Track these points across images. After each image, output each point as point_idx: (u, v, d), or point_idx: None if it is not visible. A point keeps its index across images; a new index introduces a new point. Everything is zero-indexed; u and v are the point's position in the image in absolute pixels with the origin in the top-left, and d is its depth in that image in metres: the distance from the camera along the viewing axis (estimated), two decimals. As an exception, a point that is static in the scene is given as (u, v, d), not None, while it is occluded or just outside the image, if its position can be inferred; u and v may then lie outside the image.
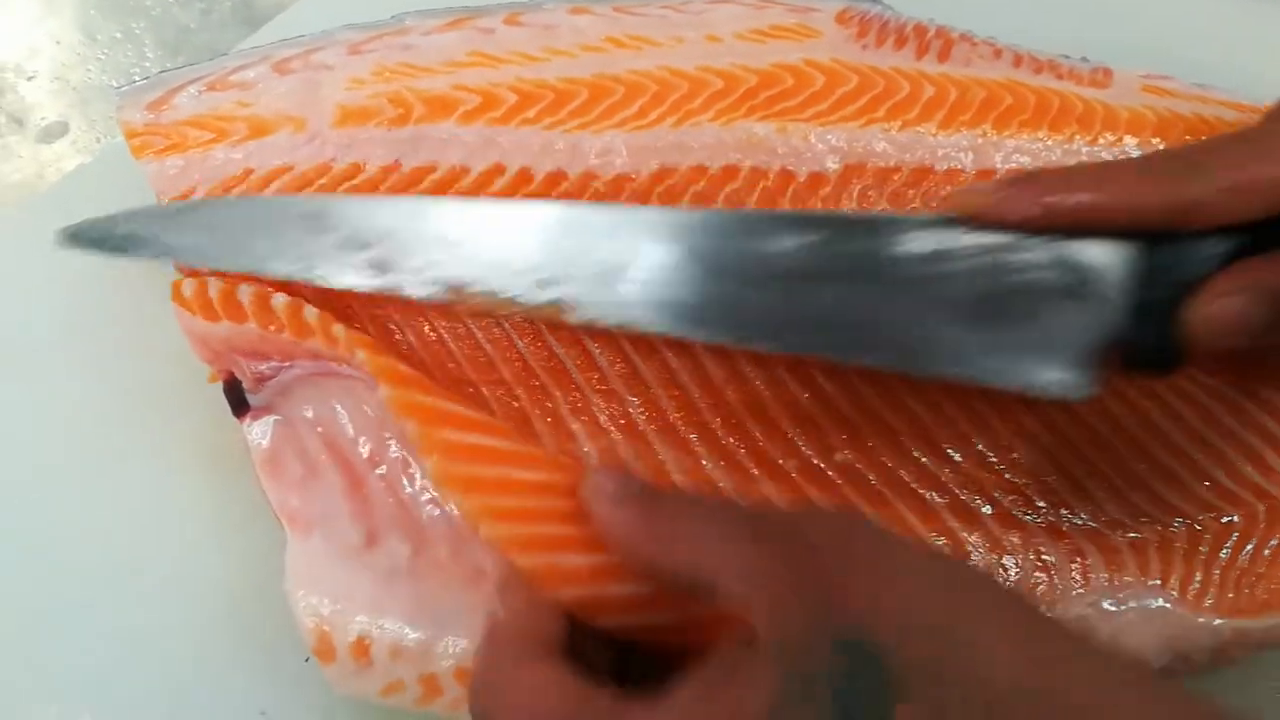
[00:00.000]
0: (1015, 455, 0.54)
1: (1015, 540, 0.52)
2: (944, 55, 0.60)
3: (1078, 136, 0.57)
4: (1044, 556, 0.52)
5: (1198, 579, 0.52)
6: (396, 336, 0.53)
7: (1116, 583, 0.52)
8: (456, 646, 0.48)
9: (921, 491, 0.53)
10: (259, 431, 0.51)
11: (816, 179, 0.56)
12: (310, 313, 0.50)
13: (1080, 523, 0.53)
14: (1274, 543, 0.53)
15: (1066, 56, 0.61)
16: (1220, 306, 0.46)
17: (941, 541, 0.52)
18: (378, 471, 0.50)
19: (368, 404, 0.50)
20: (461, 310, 0.53)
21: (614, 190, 0.56)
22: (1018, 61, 0.60)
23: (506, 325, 0.54)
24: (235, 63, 0.58)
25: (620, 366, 0.54)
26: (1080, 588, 0.52)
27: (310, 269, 0.52)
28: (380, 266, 0.52)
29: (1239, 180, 0.46)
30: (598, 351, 0.54)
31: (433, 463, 0.46)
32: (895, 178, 0.56)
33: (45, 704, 0.53)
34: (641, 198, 0.55)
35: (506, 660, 0.42)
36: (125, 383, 0.60)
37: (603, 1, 0.63)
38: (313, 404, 0.51)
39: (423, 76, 0.58)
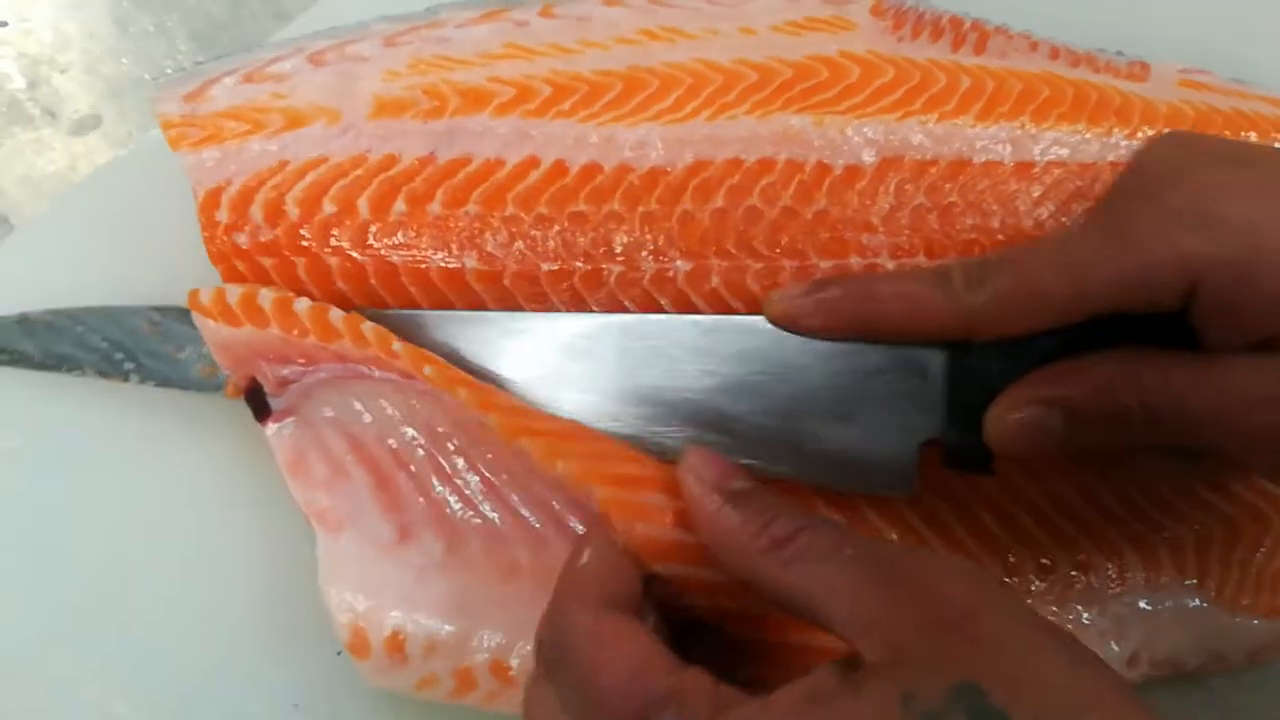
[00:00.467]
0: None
1: (1052, 539, 0.52)
2: (980, 47, 0.60)
3: (1116, 129, 0.57)
4: (1080, 555, 0.52)
5: (1234, 577, 0.52)
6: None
7: (1153, 582, 0.52)
8: (491, 641, 0.48)
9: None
10: (282, 434, 0.51)
11: (853, 172, 0.56)
12: (336, 315, 0.51)
13: (1117, 521, 0.53)
14: (1312, 543, 0.53)
15: (1102, 50, 0.61)
16: (1010, 417, 0.46)
17: (974, 545, 0.53)
18: (406, 470, 0.50)
19: (393, 405, 0.50)
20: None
21: (649, 184, 0.55)
22: (1054, 54, 0.60)
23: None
24: (271, 54, 0.58)
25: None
26: (1116, 586, 0.52)
27: None
28: None
29: (1018, 294, 0.46)
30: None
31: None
32: (932, 170, 0.56)
33: (84, 689, 0.54)
34: (677, 191, 0.55)
35: (585, 607, 0.41)
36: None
37: (637, -7, 0.63)
38: (336, 406, 0.51)
39: (458, 69, 0.58)
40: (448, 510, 0.50)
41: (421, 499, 0.50)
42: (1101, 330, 0.46)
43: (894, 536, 0.53)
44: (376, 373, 0.51)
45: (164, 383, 0.56)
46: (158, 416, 0.59)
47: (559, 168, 0.56)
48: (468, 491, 0.51)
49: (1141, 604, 0.51)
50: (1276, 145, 0.57)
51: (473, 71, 0.58)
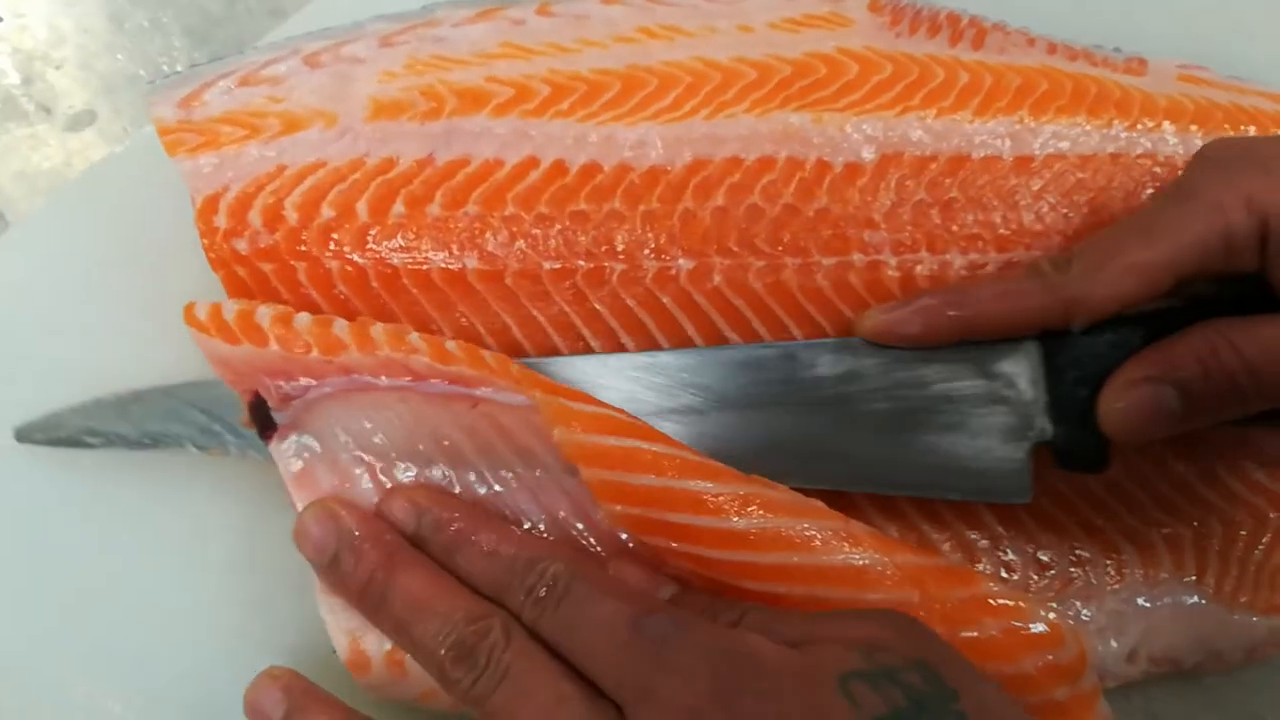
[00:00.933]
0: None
1: (1051, 536, 0.52)
2: (977, 43, 0.59)
3: (1116, 122, 0.57)
4: (1079, 551, 0.52)
5: (1233, 575, 0.52)
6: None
7: (1151, 579, 0.52)
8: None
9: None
10: (287, 450, 0.51)
11: (853, 169, 0.56)
12: (341, 326, 0.51)
13: (1115, 518, 0.53)
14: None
15: (1100, 46, 0.61)
16: (1122, 399, 0.47)
17: (978, 537, 0.53)
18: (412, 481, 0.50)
19: (399, 416, 0.50)
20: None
21: (649, 182, 0.55)
22: (1052, 49, 0.60)
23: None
24: (265, 57, 0.58)
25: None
26: (1115, 583, 0.52)
27: None
28: None
29: (1108, 265, 0.48)
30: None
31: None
32: (932, 166, 0.56)
33: (78, 689, 0.54)
34: (677, 190, 0.55)
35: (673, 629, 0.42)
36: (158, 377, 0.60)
37: (634, -9, 0.62)
38: (341, 420, 0.51)
39: (455, 69, 0.58)
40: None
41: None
42: (1185, 315, 0.48)
43: (894, 532, 0.53)
44: (384, 380, 0.51)
45: (266, 454, 0.55)
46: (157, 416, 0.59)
47: (558, 167, 0.56)
48: (477, 496, 0.51)
49: (1140, 600, 0.52)
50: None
51: (470, 71, 0.58)
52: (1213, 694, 0.54)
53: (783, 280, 0.55)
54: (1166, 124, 0.57)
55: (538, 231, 0.54)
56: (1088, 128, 0.57)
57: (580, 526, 0.49)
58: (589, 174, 0.56)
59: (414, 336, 0.50)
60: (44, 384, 0.59)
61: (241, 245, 0.54)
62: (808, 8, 0.61)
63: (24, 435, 0.57)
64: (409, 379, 0.51)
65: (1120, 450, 0.51)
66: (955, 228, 0.55)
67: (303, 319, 0.51)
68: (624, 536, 0.48)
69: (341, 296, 0.54)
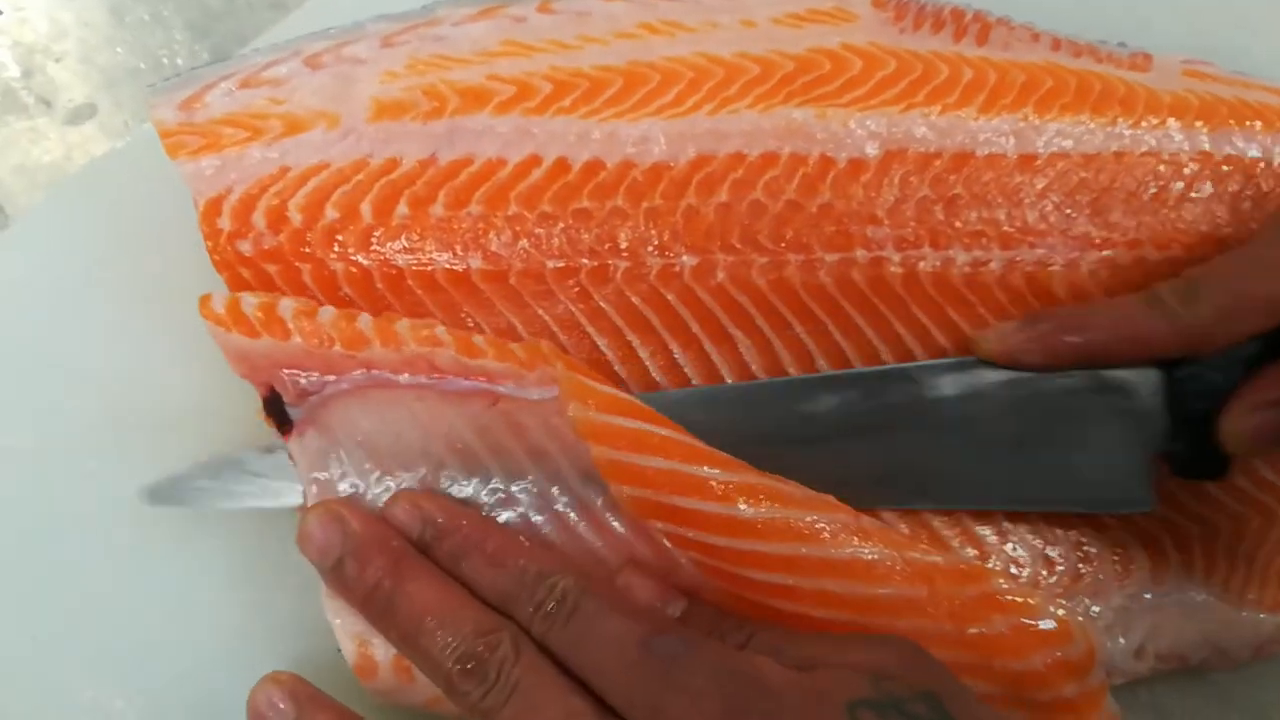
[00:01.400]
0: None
1: (1058, 532, 0.52)
2: (982, 38, 0.59)
3: (1120, 119, 0.56)
4: (1085, 548, 0.52)
5: (1240, 572, 0.52)
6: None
7: (1159, 576, 0.52)
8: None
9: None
10: (305, 448, 0.51)
11: (857, 165, 0.56)
12: (366, 321, 0.51)
13: (1123, 514, 0.53)
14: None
15: (1104, 42, 0.60)
16: (1248, 423, 0.48)
17: (987, 533, 0.53)
18: (423, 482, 0.50)
19: (416, 415, 0.50)
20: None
21: (652, 179, 0.55)
22: (1056, 45, 0.60)
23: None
24: (266, 58, 0.58)
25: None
26: (1123, 580, 0.52)
27: None
28: None
29: (1236, 302, 0.49)
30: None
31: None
32: (936, 163, 0.56)
33: (82, 690, 0.54)
34: (680, 186, 0.55)
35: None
36: (156, 370, 0.60)
37: (635, -14, 0.62)
38: (356, 417, 0.51)
39: (456, 68, 0.57)
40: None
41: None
42: None
43: (904, 528, 0.54)
44: (405, 378, 0.51)
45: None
46: (155, 416, 0.59)
47: (561, 165, 0.56)
48: (486, 504, 0.51)
49: (1147, 597, 0.52)
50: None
51: (471, 70, 0.57)
52: (1219, 690, 0.54)
53: (785, 276, 0.55)
54: (1171, 121, 0.57)
55: (541, 230, 0.54)
56: (1092, 126, 0.56)
57: (591, 534, 0.50)
58: (592, 171, 0.55)
59: (440, 330, 0.51)
60: (43, 381, 0.59)
61: (246, 247, 0.54)
62: (811, 2, 0.60)
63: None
64: (430, 376, 0.51)
65: None
66: (959, 224, 0.55)
67: (327, 312, 0.51)
68: (635, 545, 0.48)
69: (346, 298, 0.54)
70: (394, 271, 0.54)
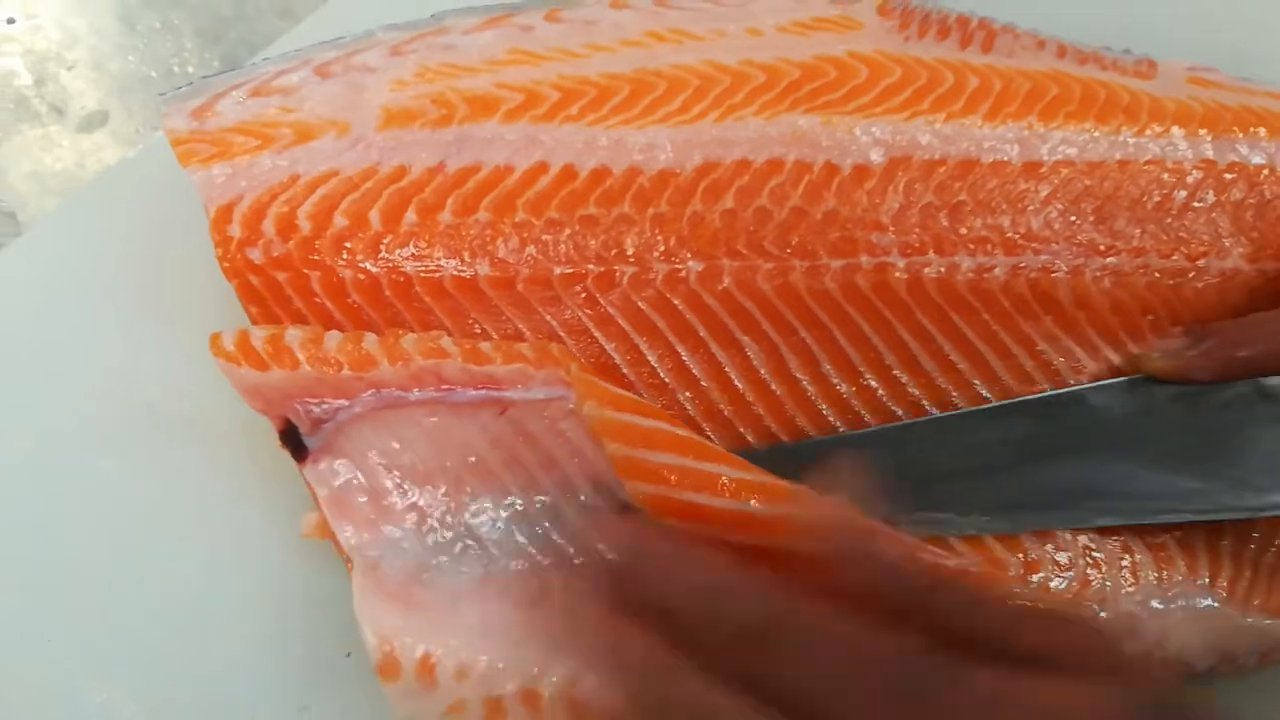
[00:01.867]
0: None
1: (1066, 537, 0.53)
2: (987, 46, 0.59)
3: (1125, 128, 0.57)
4: (1093, 554, 0.53)
5: (1246, 577, 0.52)
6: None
7: (1165, 581, 0.52)
8: (523, 669, 0.48)
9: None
10: (322, 475, 0.51)
11: (862, 172, 0.56)
12: (371, 341, 0.51)
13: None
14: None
15: (1109, 49, 0.61)
16: None
17: (993, 541, 0.53)
18: (441, 497, 0.50)
19: (429, 431, 0.51)
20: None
21: (659, 186, 0.56)
22: (1061, 53, 0.60)
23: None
24: (277, 67, 0.58)
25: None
26: (1130, 586, 0.52)
27: None
28: None
29: None
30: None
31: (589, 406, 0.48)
32: (941, 170, 0.56)
33: (92, 692, 0.54)
34: (686, 193, 0.55)
35: None
36: (166, 376, 0.60)
37: (643, -5, 0.63)
38: (371, 440, 0.51)
39: (465, 76, 0.58)
40: (482, 537, 0.50)
41: (456, 526, 0.50)
42: None
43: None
44: (415, 394, 0.51)
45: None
46: (167, 423, 0.59)
47: (568, 172, 0.56)
48: (502, 517, 0.51)
49: (1155, 603, 0.52)
50: None
51: (479, 79, 0.58)
52: (1226, 697, 0.54)
53: (791, 282, 0.55)
54: (1175, 129, 0.57)
55: (548, 237, 0.55)
56: (1096, 134, 0.57)
57: (594, 539, 0.50)
58: (599, 178, 0.56)
59: (445, 341, 0.51)
60: (54, 385, 0.60)
61: (255, 254, 0.54)
62: (817, 11, 0.61)
63: None
64: (439, 389, 0.51)
65: None
66: (963, 231, 0.55)
67: (333, 337, 0.51)
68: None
69: (355, 305, 0.54)
70: (402, 278, 0.54)
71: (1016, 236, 0.55)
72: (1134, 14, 0.66)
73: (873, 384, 0.55)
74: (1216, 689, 0.53)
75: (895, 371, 0.55)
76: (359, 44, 0.59)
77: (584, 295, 0.55)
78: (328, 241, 0.54)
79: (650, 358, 0.55)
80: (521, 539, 0.51)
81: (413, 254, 0.54)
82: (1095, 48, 0.61)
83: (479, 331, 0.54)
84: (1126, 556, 0.53)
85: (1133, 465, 0.53)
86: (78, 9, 0.77)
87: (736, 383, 0.55)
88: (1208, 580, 0.52)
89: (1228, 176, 0.57)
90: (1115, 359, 0.56)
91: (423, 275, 0.54)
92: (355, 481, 0.51)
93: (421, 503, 0.51)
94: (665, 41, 0.59)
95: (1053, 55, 0.60)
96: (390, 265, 0.54)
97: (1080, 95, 0.57)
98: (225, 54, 0.75)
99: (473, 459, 0.51)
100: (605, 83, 0.58)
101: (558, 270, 0.55)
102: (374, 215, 0.54)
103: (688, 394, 0.55)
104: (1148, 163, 0.56)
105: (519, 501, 0.51)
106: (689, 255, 0.55)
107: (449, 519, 0.51)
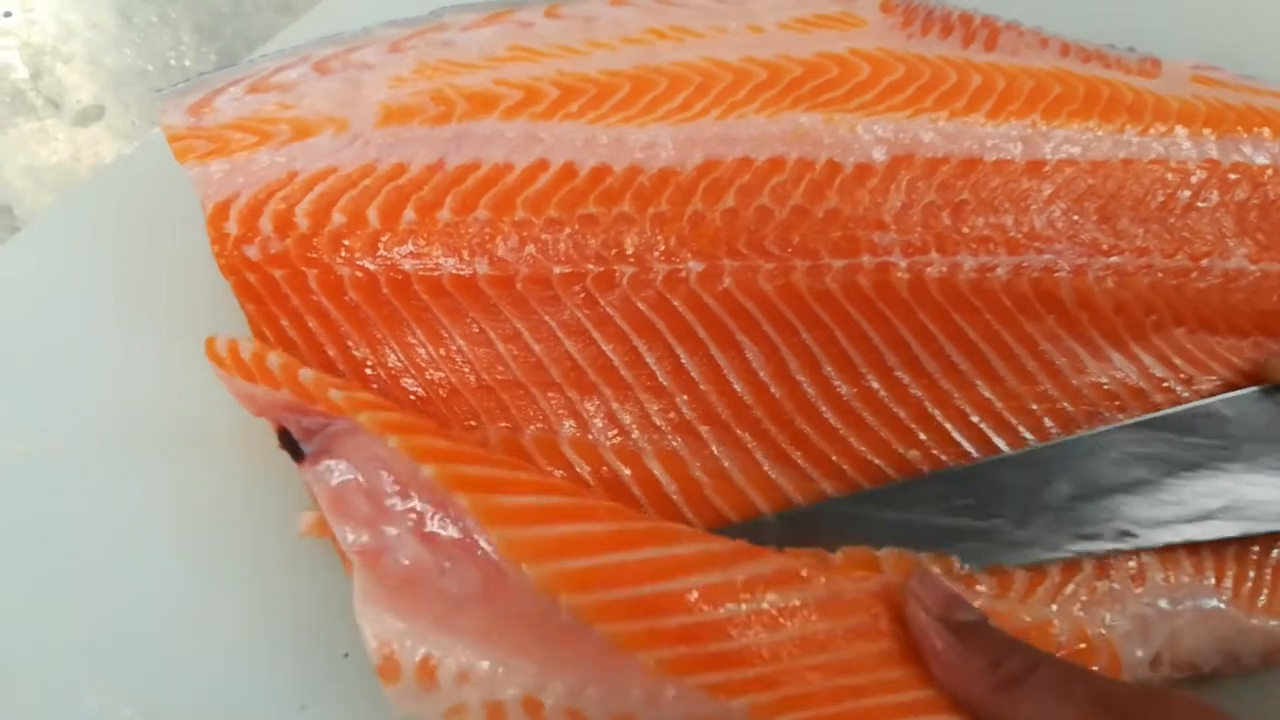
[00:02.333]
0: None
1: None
2: (990, 44, 0.59)
3: (1129, 126, 0.57)
4: (1101, 555, 0.52)
5: (1250, 578, 0.52)
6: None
7: (1172, 582, 0.52)
8: (525, 674, 0.48)
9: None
10: (321, 475, 0.51)
11: (864, 170, 0.56)
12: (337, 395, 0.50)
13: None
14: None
15: (1113, 46, 0.60)
16: None
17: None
18: (442, 498, 0.50)
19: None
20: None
21: (659, 184, 0.55)
22: (1065, 50, 0.60)
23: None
24: (275, 63, 0.58)
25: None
26: (1138, 588, 0.52)
27: None
28: None
29: None
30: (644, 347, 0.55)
31: (497, 534, 0.46)
32: (943, 169, 0.56)
33: (89, 694, 0.54)
34: (687, 192, 0.55)
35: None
36: (163, 374, 0.60)
37: (643, -8, 0.62)
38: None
39: (464, 73, 0.57)
40: (485, 543, 0.50)
41: (459, 532, 0.50)
42: None
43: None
44: None
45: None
46: (165, 422, 0.59)
47: (568, 170, 0.56)
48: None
49: (1162, 604, 0.52)
50: None
51: (479, 75, 0.57)
52: (1230, 697, 0.54)
53: (792, 282, 0.55)
54: (1179, 128, 0.57)
55: (548, 236, 0.54)
56: (1100, 133, 0.56)
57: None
58: (599, 176, 0.55)
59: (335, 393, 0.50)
60: (52, 384, 0.60)
61: (252, 252, 0.54)
62: (819, 8, 0.60)
63: None
64: None
65: None
66: (966, 230, 0.55)
67: (306, 374, 0.50)
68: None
69: (352, 303, 0.54)
70: (400, 276, 0.54)
71: (1019, 236, 0.55)
72: (1137, 12, 0.66)
73: (874, 385, 0.55)
74: (1220, 689, 0.53)
75: (897, 373, 0.55)
76: (358, 40, 0.59)
77: (583, 295, 0.55)
78: (325, 239, 0.54)
79: (649, 359, 0.55)
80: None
81: (411, 252, 0.54)
82: (1099, 46, 0.60)
83: (476, 330, 0.54)
84: (1133, 558, 0.52)
85: (1252, 476, 0.54)
86: (74, 2, 0.76)
87: (735, 386, 0.55)
88: (1213, 581, 0.52)
89: (1231, 176, 0.56)
90: (1116, 359, 0.56)
91: (421, 273, 0.54)
92: (354, 482, 0.50)
93: (422, 503, 0.50)
94: (666, 38, 0.59)
95: (1056, 53, 0.59)
96: (388, 263, 0.54)
97: (1084, 94, 0.57)
98: (222, 49, 0.74)
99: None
100: (606, 80, 0.57)
101: (557, 269, 0.54)
102: (372, 213, 0.54)
103: (684, 397, 0.55)
104: (1151, 162, 0.56)
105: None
106: (689, 255, 0.55)
107: (450, 520, 0.50)
